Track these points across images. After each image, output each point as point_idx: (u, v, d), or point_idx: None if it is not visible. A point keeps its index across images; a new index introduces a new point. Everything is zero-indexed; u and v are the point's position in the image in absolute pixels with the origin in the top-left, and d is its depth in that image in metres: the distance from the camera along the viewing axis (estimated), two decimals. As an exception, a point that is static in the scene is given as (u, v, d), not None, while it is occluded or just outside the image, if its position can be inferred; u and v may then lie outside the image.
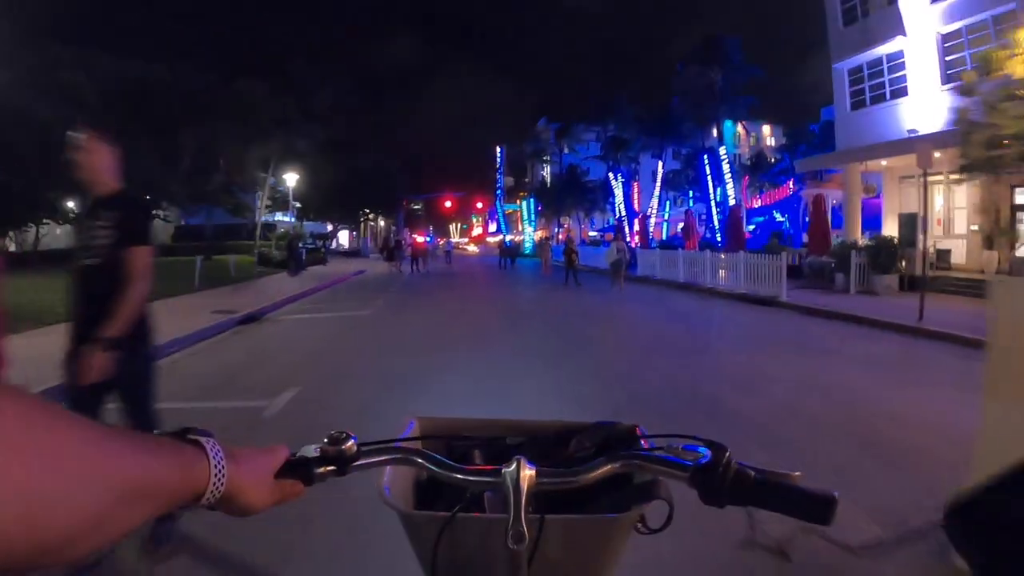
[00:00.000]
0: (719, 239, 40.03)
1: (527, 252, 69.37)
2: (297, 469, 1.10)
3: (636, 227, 54.91)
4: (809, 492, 1.00)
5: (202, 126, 40.07)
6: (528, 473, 1.12)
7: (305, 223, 66.29)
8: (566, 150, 74.75)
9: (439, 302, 22.16)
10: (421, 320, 17.13)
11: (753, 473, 1.05)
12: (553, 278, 31.31)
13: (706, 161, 47.07)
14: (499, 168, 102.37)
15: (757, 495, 1.03)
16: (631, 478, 1.33)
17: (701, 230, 43.34)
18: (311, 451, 1.14)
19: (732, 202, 38.93)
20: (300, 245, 39.32)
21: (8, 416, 0.59)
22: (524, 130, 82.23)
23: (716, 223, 42.90)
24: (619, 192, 57.23)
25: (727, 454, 1.06)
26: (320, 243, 55.42)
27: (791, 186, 45.40)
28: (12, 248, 49.81)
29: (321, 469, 1.13)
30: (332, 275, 34.77)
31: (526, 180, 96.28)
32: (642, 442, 1.43)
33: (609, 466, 1.17)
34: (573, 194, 72.88)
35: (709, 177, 46.04)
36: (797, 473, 1.03)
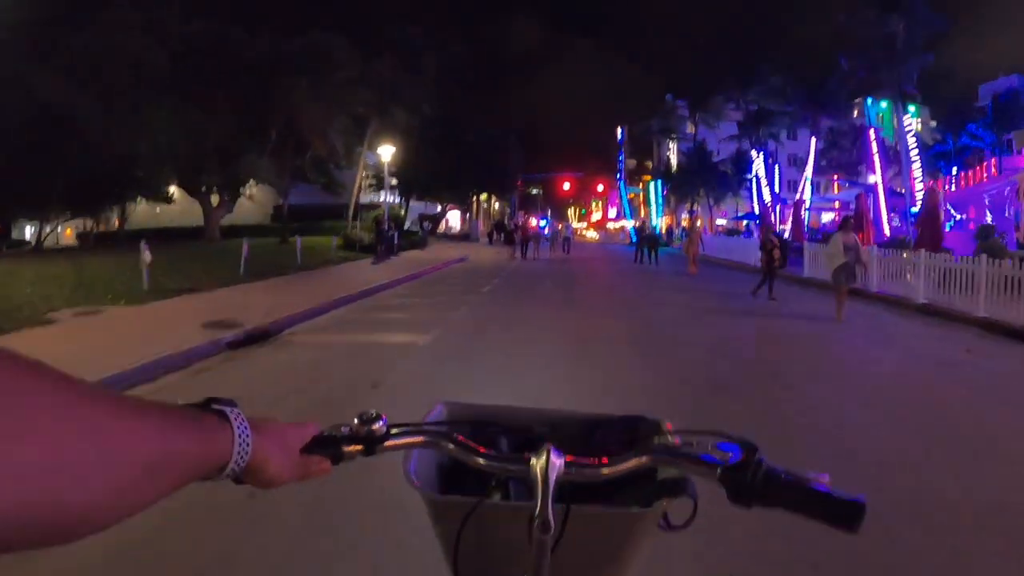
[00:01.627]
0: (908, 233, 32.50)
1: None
2: (325, 446, 1.08)
3: (785, 216, 47.70)
4: (838, 497, 0.98)
5: (280, 89, 35.11)
6: (557, 462, 1.11)
7: (412, 204, 62.05)
8: (695, 128, 67.57)
9: (552, 319, 13.85)
10: (517, 365, 9.35)
11: (783, 475, 1.02)
12: (717, 282, 23.94)
13: (872, 137, 39.38)
14: (620, 149, 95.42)
15: (786, 497, 1.00)
16: (655, 473, 1.33)
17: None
18: (341, 431, 1.13)
19: (919, 187, 31.39)
20: (389, 227, 34.03)
21: (30, 389, 0.59)
22: (648, 109, 74.74)
23: (883, 213, 35.28)
24: (762, 173, 49.70)
25: (757, 454, 1.04)
26: (425, 224, 49.83)
27: (989, 169, 37.25)
28: (101, 227, 47.46)
29: (349, 448, 1.11)
30: (426, 263, 29.33)
31: (649, 164, 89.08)
32: (670, 437, 1.35)
33: (639, 459, 1.16)
34: (703, 177, 65.64)
35: (877, 156, 38.31)
36: (825, 476, 1.00)
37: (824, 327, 13.39)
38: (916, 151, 32.45)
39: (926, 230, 27.35)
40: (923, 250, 19.31)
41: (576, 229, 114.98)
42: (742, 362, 9.98)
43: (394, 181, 51.57)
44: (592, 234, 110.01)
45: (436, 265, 28.53)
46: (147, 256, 16.57)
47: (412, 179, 55.71)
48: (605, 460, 1.18)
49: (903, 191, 40.46)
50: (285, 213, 40.61)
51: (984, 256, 15.77)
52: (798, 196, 40.58)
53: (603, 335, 11.83)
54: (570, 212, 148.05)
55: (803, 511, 1.00)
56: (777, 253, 18.69)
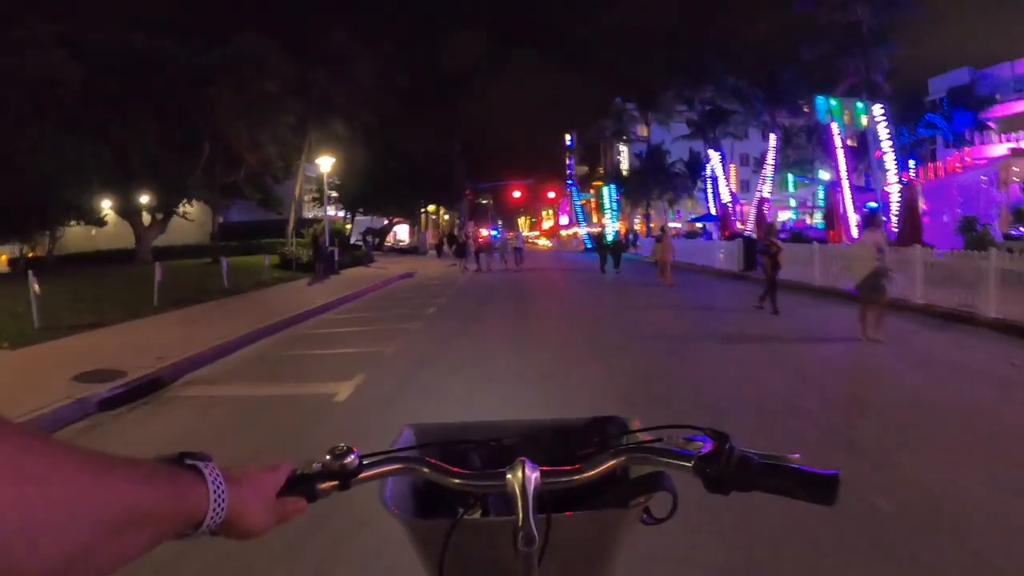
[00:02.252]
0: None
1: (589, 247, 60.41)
2: (300, 486, 1.07)
3: (743, 216, 46.07)
4: (812, 473, 1.00)
5: (207, 99, 32.55)
6: (532, 474, 1.12)
7: (359, 219, 59.55)
8: (647, 130, 65.80)
9: (509, 357, 10.59)
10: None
11: (755, 458, 1.04)
12: (696, 292, 21.82)
13: (835, 132, 37.72)
14: (569, 156, 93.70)
15: (761, 480, 1.03)
16: (628, 471, 1.33)
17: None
18: (314, 467, 1.12)
19: (891, 180, 29.61)
20: (329, 243, 31.54)
21: None
22: (597, 114, 72.65)
23: (849, 211, 33.47)
24: (720, 172, 47.86)
25: (728, 442, 1.06)
26: (371, 239, 46.81)
27: (963, 159, 35.71)
28: (31, 252, 44.87)
29: (324, 485, 1.11)
30: (369, 280, 26.78)
31: (600, 170, 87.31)
32: (641, 435, 1.39)
33: (613, 461, 1.17)
34: (657, 180, 63.84)
35: (840, 151, 36.64)
36: (796, 455, 1.03)
37: (851, 349, 10.97)
38: (890, 143, 30.73)
39: (906, 225, 25.62)
40: (917, 246, 17.41)
41: (527, 238, 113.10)
42: (795, 424, 6.77)
43: (334, 194, 48.95)
44: (545, 242, 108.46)
45: (379, 283, 26.06)
46: (35, 288, 14.11)
47: (355, 192, 53.23)
48: (578, 466, 1.18)
49: (871, 187, 38.99)
50: (215, 231, 37.77)
51: (994, 250, 13.87)
52: (760, 194, 38.74)
53: (579, 389, 8.33)
54: (521, 221, 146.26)
55: (780, 491, 1.01)
56: (782, 258, 15.93)
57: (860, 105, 66.13)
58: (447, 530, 1.19)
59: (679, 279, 24.84)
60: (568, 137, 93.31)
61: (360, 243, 46.96)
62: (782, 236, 33.57)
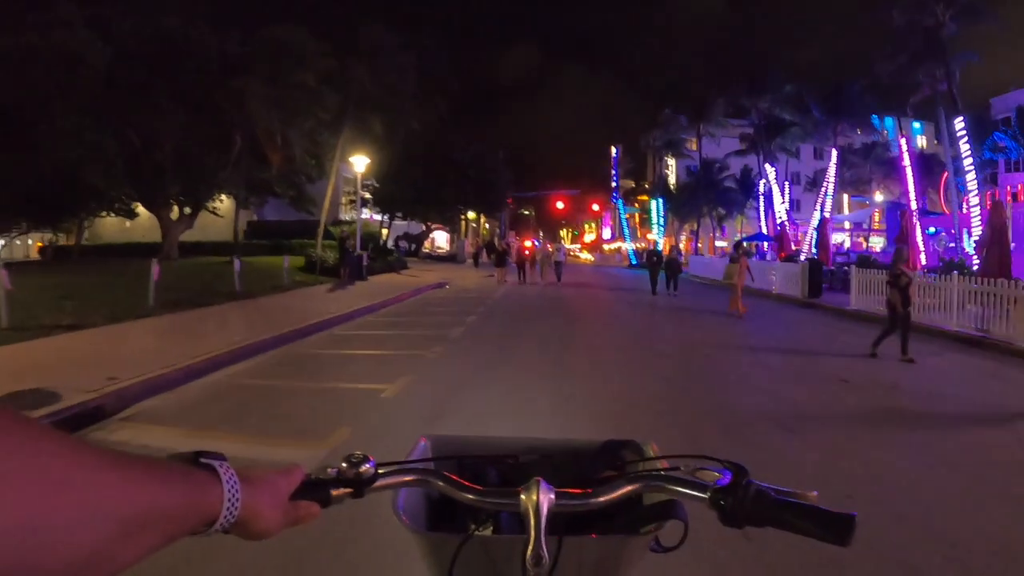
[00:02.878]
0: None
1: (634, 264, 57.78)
2: (313, 490, 1.07)
3: (799, 237, 43.35)
4: (828, 513, 0.98)
5: (238, 90, 30.62)
6: (547, 495, 1.11)
7: (397, 223, 57.74)
8: (698, 142, 63.30)
9: (555, 407, 8.10)
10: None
11: (772, 494, 1.03)
12: (773, 323, 18.63)
13: (903, 148, 34.93)
14: (614, 169, 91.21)
15: (776, 516, 1.01)
16: (642, 497, 1.32)
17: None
18: (329, 473, 1.12)
19: (974, 202, 26.85)
20: (355, 247, 29.53)
21: (5, 440, 0.57)
22: (645, 126, 69.90)
23: (917, 235, 30.69)
24: (776, 189, 45.12)
25: (746, 475, 1.05)
26: (402, 244, 44.34)
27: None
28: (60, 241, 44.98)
29: (337, 491, 1.11)
30: (397, 289, 24.70)
31: (646, 184, 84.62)
32: (660, 462, 1.37)
33: (630, 487, 1.17)
34: (707, 195, 61.17)
35: (908, 169, 33.89)
36: (814, 493, 1.03)
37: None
38: (970, 160, 28.00)
39: (993, 253, 22.82)
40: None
41: (569, 251, 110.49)
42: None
43: (367, 195, 46.91)
44: (587, 256, 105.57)
45: (407, 292, 23.87)
46: (5, 282, 12.42)
47: (393, 195, 51.37)
48: (592, 490, 1.17)
49: (927, 209, 36.11)
50: (236, 228, 35.72)
51: None
52: (820, 212, 36.05)
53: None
54: (562, 233, 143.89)
55: (794, 528, 1.00)
56: (913, 291, 12.55)
57: (917, 125, 63.07)
58: (457, 545, 1.18)
59: (716, 296, 22.62)
60: (614, 149, 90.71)
61: (394, 248, 44.48)
62: (839, 259, 30.90)
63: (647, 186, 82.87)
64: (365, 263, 29.56)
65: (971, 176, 27.56)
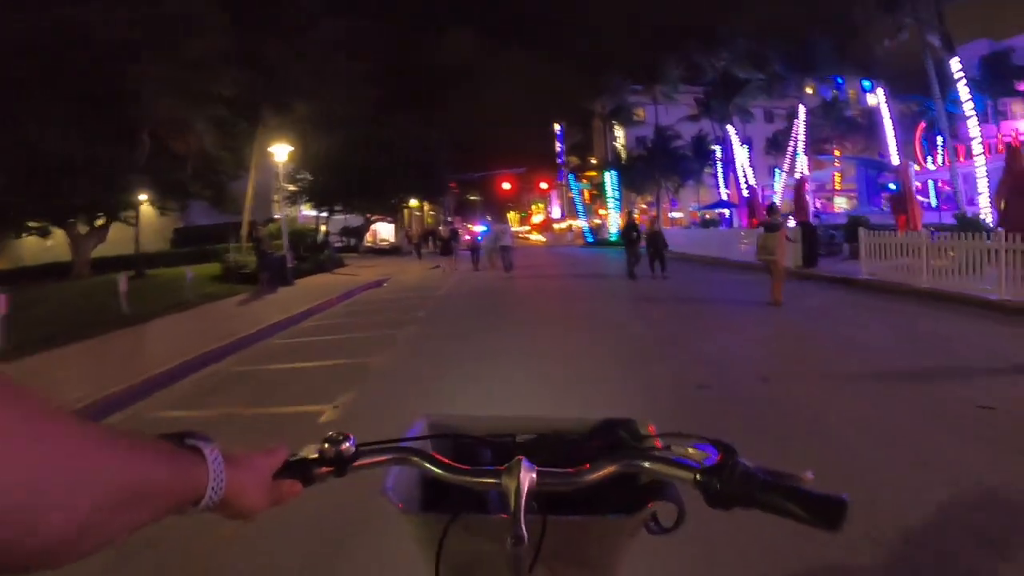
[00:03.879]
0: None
1: (613, 240, 53.28)
2: (296, 470, 1.10)
3: (765, 201, 40.10)
4: (818, 496, 0.95)
5: (133, 76, 26.28)
6: (528, 474, 1.09)
7: (336, 217, 53.65)
8: (643, 114, 60.09)
9: None
10: None
11: (760, 475, 1.00)
12: (821, 315, 13.77)
13: (882, 99, 31.73)
14: (560, 145, 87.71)
15: (763, 498, 0.97)
16: (637, 478, 1.27)
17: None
18: (312, 452, 1.13)
19: (976, 152, 23.69)
20: (276, 247, 25.55)
21: (1, 411, 0.59)
22: (591, 96, 65.94)
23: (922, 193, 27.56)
24: (740, 152, 41.77)
25: (735, 456, 1.03)
26: (331, 240, 39.45)
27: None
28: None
29: (320, 470, 1.12)
30: (324, 293, 20.76)
31: (592, 159, 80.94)
32: (654, 441, 1.32)
33: (612, 467, 1.14)
34: (661, 165, 57.74)
35: (889, 122, 30.66)
36: (808, 475, 0.99)
37: None
38: (972, 104, 24.76)
39: (1014, 204, 19.54)
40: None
41: (517, 233, 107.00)
42: None
43: (290, 188, 42.54)
44: (537, 237, 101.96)
45: (333, 298, 19.93)
46: None
47: (328, 188, 47.30)
48: (577, 469, 1.14)
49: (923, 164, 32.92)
50: (138, 237, 31.42)
51: None
52: (797, 173, 32.83)
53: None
54: (510, 216, 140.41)
55: (781, 511, 0.96)
56: None
57: (866, 83, 60.12)
58: (445, 525, 1.18)
59: (709, 276, 19.19)
60: (557, 126, 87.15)
61: (331, 245, 39.69)
62: (814, 221, 27.73)
63: (594, 161, 79.28)
64: (290, 264, 25.55)
65: (973, 122, 24.30)
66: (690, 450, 1.09)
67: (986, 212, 25.39)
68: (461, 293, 20.94)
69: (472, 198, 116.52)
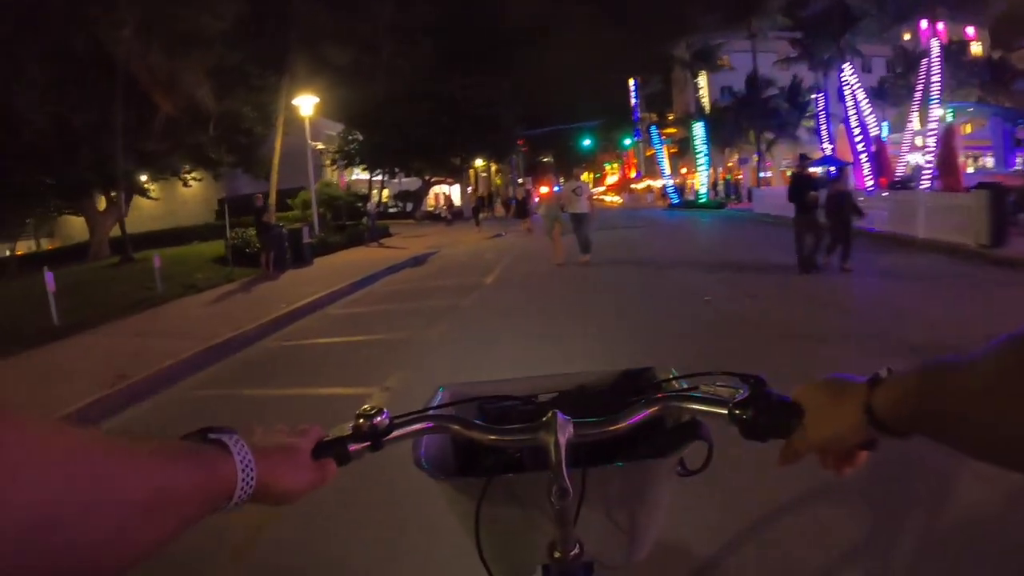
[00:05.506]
0: None
1: (703, 202, 47.47)
2: (331, 448, 1.06)
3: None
4: None
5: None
6: (565, 427, 1.09)
7: (399, 180, 49.12)
8: (727, 61, 53.64)
9: None
10: None
11: (791, 403, 0.98)
12: None
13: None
14: (635, 99, 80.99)
15: (799, 426, 0.96)
16: (665, 422, 1.31)
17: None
18: (346, 429, 1.11)
19: None
20: (274, 220, 20.58)
21: (13, 432, 0.58)
22: (670, 38, 59.11)
23: None
24: (862, 96, 35.05)
25: (764, 386, 1.02)
26: (371, 207, 33.85)
27: None
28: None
29: (355, 446, 1.10)
30: (341, 278, 15.92)
31: (669, 115, 73.94)
32: (675, 383, 1.33)
33: (648, 410, 1.14)
34: (751, 116, 51.12)
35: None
36: None
37: None
38: None
39: None
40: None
41: (592, 195, 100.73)
42: None
43: (320, 146, 37.35)
44: (612, 198, 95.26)
45: (345, 286, 14.87)
46: None
47: (377, 148, 42.58)
48: (612, 416, 1.14)
49: None
50: (123, 213, 26.29)
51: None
52: (942, 120, 26.50)
53: None
54: (585, 176, 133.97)
55: None
56: None
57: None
58: (482, 487, 1.16)
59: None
60: (632, 81, 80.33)
61: (372, 213, 33.51)
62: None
63: (671, 118, 72.40)
64: (307, 240, 20.50)
65: None
66: (718, 387, 1.08)
67: None
68: (514, 282, 15.25)
69: (545, 159, 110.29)
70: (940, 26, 39.52)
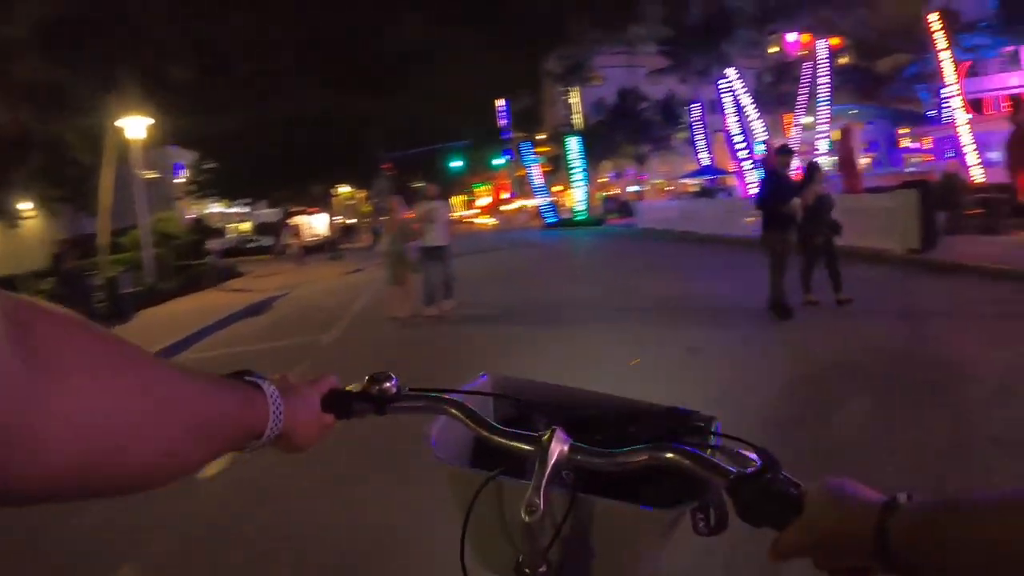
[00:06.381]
0: None
1: (581, 219, 45.17)
2: (338, 402, 1.09)
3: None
4: None
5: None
6: (560, 445, 1.06)
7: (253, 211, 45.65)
8: (599, 79, 52.40)
9: None
10: None
11: (795, 494, 0.88)
12: None
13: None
14: (505, 119, 79.19)
15: (795, 522, 0.88)
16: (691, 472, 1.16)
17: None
18: (356, 387, 1.13)
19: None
20: (83, 270, 17.02)
21: (93, 349, 0.63)
22: (543, 54, 57.09)
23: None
24: (746, 100, 33.68)
25: (775, 472, 0.91)
26: (256, 240, 29.23)
27: None
28: None
29: (362, 405, 1.12)
30: (159, 333, 12.40)
31: (540, 134, 72.27)
32: (713, 437, 1.23)
33: (646, 456, 1.06)
34: (625, 130, 49.87)
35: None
36: None
37: None
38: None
39: None
40: None
41: (461, 217, 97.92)
42: None
43: (149, 174, 33.41)
44: (486, 220, 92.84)
45: (159, 349, 11.54)
46: None
47: (231, 177, 39.20)
48: (613, 449, 1.09)
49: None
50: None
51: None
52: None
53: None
54: (454, 200, 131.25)
55: None
56: None
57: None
58: (480, 484, 1.14)
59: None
60: (501, 102, 78.38)
61: (215, 251, 29.02)
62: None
63: (543, 137, 70.82)
64: (126, 289, 16.92)
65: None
66: (735, 453, 1.02)
67: None
68: (357, 344, 11.53)
69: (417, 184, 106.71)
70: (805, 38, 39.60)
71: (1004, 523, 0.64)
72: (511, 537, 1.16)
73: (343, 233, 45.11)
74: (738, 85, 33.39)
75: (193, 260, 26.87)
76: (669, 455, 1.05)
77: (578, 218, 46.00)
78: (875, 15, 36.54)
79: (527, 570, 1.09)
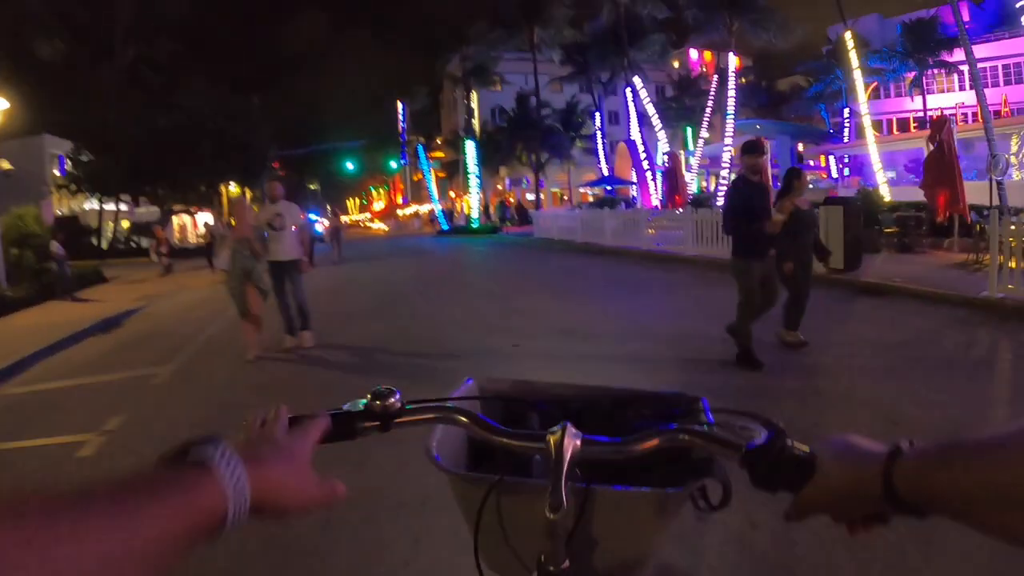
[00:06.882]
0: None
1: (475, 227, 44.04)
2: (341, 427, 1.07)
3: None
4: None
5: None
6: (573, 440, 1.07)
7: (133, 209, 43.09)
8: (498, 85, 51.80)
9: None
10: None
11: (806, 459, 0.92)
12: None
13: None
14: (402, 123, 77.93)
15: (810, 483, 0.92)
16: (690, 453, 1.24)
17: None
18: (358, 406, 1.11)
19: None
20: None
21: None
22: (444, 57, 55.44)
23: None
24: (650, 110, 33.02)
25: (784, 437, 0.96)
26: (136, 241, 26.22)
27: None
28: None
29: (366, 424, 1.10)
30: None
31: (438, 139, 71.03)
32: (705, 415, 1.30)
33: (657, 439, 1.11)
34: (525, 137, 48.90)
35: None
36: None
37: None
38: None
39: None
40: None
41: (353, 221, 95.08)
42: None
43: (3, 165, 30.37)
44: (379, 226, 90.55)
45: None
46: None
47: (105, 170, 36.80)
48: (625, 438, 1.12)
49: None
50: None
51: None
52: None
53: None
54: (349, 204, 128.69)
55: None
56: None
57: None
58: (487, 488, 1.16)
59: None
60: (400, 103, 77.03)
61: (63, 257, 25.27)
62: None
63: (439, 142, 69.53)
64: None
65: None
66: (738, 428, 1.03)
67: None
68: (200, 379, 9.17)
69: (312, 187, 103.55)
70: (707, 55, 39.68)
71: (995, 461, 0.68)
72: (522, 537, 1.16)
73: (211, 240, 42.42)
74: (643, 94, 32.66)
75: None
76: (681, 436, 1.08)
77: (474, 225, 44.88)
78: (783, 35, 36.94)
79: (551, 568, 1.07)
